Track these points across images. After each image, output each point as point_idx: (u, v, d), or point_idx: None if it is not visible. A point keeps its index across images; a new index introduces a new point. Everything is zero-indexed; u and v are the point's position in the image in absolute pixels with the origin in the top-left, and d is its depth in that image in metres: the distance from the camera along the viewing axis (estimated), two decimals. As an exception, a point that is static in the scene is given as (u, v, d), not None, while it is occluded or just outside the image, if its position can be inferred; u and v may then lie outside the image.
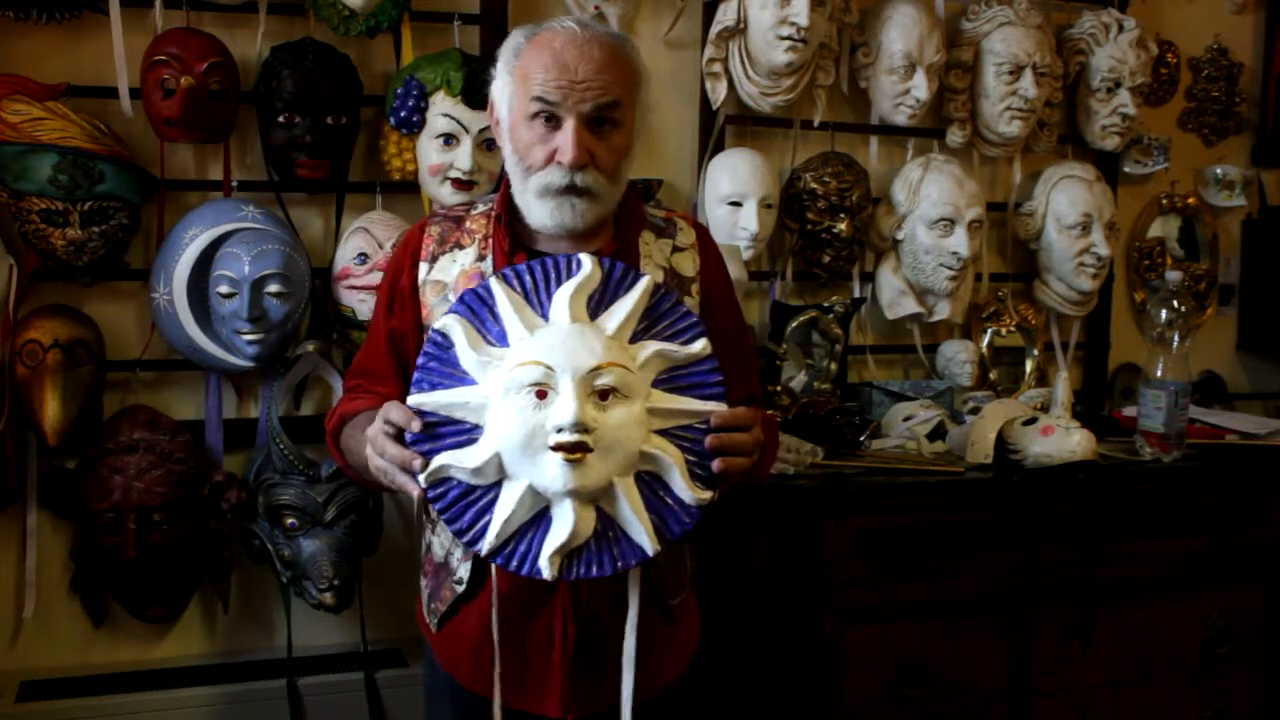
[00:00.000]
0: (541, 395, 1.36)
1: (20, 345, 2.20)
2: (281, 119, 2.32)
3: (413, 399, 1.41)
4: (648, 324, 1.45)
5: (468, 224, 1.66)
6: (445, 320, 1.43)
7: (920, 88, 2.77)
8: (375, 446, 1.43)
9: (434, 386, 1.42)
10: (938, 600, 2.36)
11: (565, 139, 1.52)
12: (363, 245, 2.37)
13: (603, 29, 1.59)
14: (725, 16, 2.63)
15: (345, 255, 2.39)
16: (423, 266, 1.64)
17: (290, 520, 2.32)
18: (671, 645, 1.69)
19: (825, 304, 2.78)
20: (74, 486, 2.28)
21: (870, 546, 2.29)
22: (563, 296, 1.42)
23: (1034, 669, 2.45)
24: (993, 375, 3.02)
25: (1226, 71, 3.36)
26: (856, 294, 2.93)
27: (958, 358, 2.92)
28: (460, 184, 2.37)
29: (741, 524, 2.26)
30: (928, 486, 2.37)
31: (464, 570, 1.62)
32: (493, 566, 1.59)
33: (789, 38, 2.57)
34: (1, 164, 2.16)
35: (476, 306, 1.44)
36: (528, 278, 1.45)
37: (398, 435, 1.41)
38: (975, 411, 2.66)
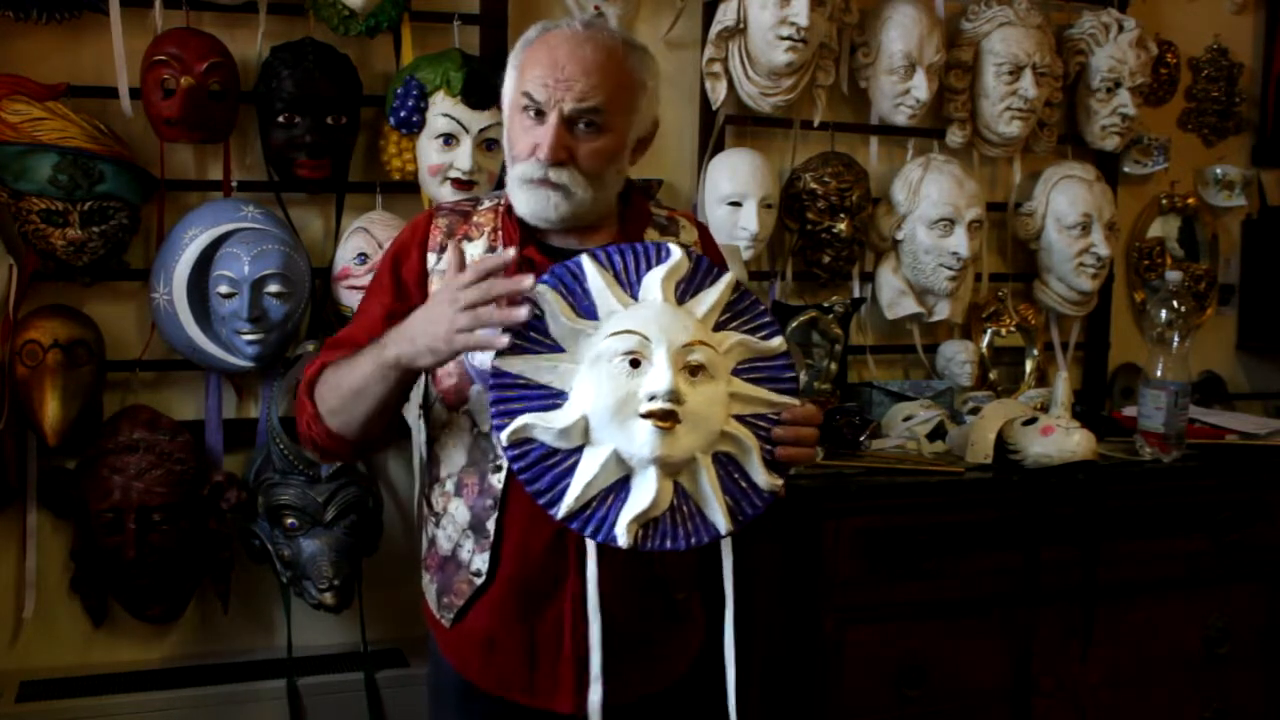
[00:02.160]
0: (635, 364, 1.40)
1: (20, 345, 2.20)
2: (281, 119, 2.32)
3: (499, 360, 1.43)
4: (729, 316, 1.50)
5: (475, 218, 1.67)
6: (537, 289, 1.45)
7: (920, 88, 2.77)
8: (472, 288, 1.41)
9: (520, 351, 1.44)
10: (938, 600, 2.36)
11: (544, 134, 1.53)
12: (363, 245, 2.37)
13: (610, 33, 1.60)
14: (725, 16, 2.63)
15: (345, 255, 2.39)
16: (430, 256, 1.65)
17: (290, 520, 2.31)
18: (676, 642, 1.70)
19: (825, 304, 2.78)
20: (74, 486, 2.28)
21: (870, 546, 2.29)
22: (654, 278, 1.46)
23: (1034, 669, 2.45)
24: (993, 375, 3.03)
25: (1226, 71, 3.36)
26: (856, 294, 2.93)
27: (958, 358, 2.92)
28: (460, 184, 2.37)
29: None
30: (928, 486, 2.37)
31: (480, 562, 1.61)
32: (504, 559, 1.59)
33: (789, 38, 2.57)
34: (1, 164, 2.16)
35: (568, 280, 1.46)
36: (618, 258, 1.48)
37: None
38: (975, 411, 2.66)
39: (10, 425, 2.22)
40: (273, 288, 2.25)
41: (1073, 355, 3.18)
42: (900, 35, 2.76)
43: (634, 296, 1.46)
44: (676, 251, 1.48)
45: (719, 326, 1.49)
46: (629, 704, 1.63)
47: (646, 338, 1.40)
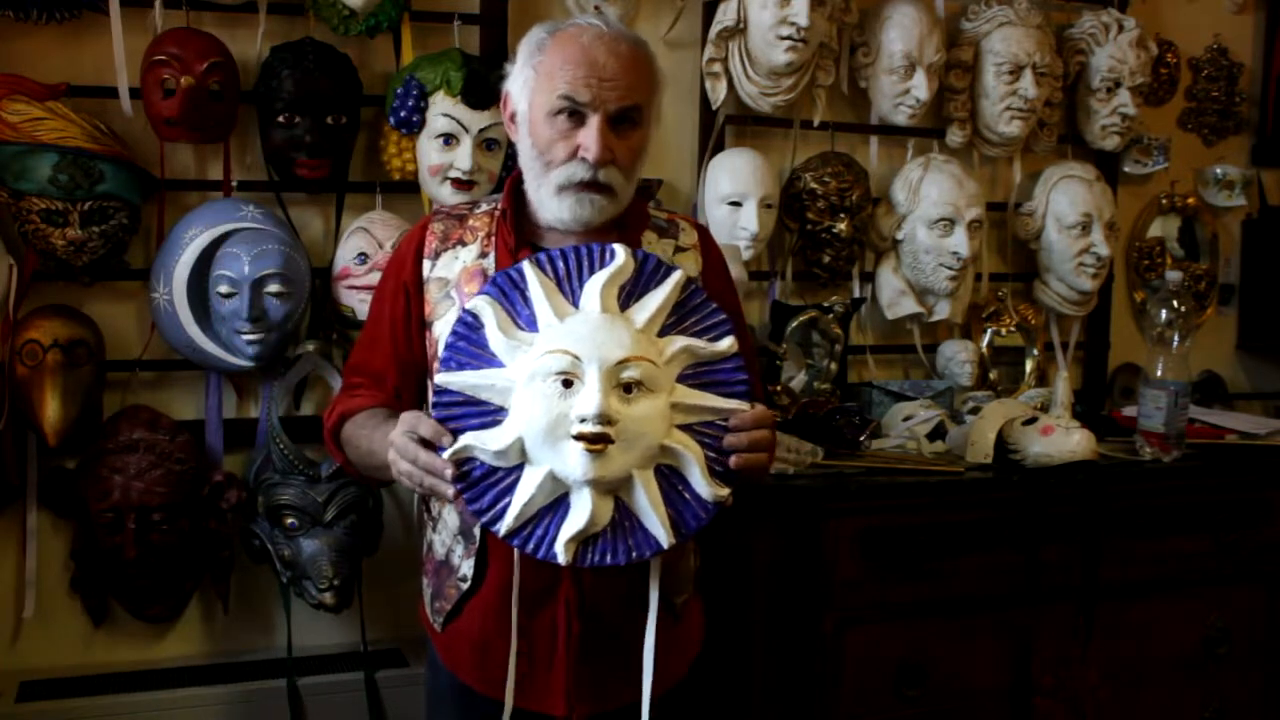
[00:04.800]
0: (567, 384, 1.38)
1: (20, 345, 2.20)
2: (281, 119, 2.32)
3: (440, 377, 1.43)
4: (677, 318, 1.47)
5: (470, 222, 1.67)
6: (476, 301, 1.45)
7: (920, 88, 2.77)
8: (405, 454, 1.44)
9: (461, 366, 1.43)
10: (938, 600, 2.36)
11: (590, 136, 1.53)
12: (363, 245, 2.37)
13: (628, 31, 1.61)
14: (725, 16, 2.63)
15: (345, 255, 2.39)
16: (426, 263, 1.65)
17: (290, 520, 2.32)
18: (675, 645, 1.69)
19: (825, 304, 2.78)
20: (74, 486, 2.28)
21: (870, 546, 2.29)
22: (594, 286, 1.44)
23: (1034, 669, 2.45)
24: (993, 375, 3.03)
25: (1226, 71, 3.36)
26: (856, 294, 2.93)
27: (958, 358, 2.92)
28: (460, 184, 2.37)
29: (742, 524, 2.25)
30: (928, 486, 2.37)
31: (467, 568, 1.62)
32: (496, 562, 1.59)
33: (789, 38, 2.57)
34: (1, 164, 2.16)
35: (508, 289, 1.45)
36: (560, 264, 1.47)
37: (423, 443, 1.43)
38: (975, 411, 2.66)
39: (10, 425, 2.22)
40: (273, 288, 2.25)
41: (1073, 355, 3.18)
42: (900, 35, 2.76)
43: (576, 303, 1.44)
44: (620, 254, 1.45)
45: (666, 329, 1.46)
46: (626, 707, 1.63)
47: (577, 357, 1.37)
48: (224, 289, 2.24)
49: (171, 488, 2.26)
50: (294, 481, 2.33)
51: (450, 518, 1.64)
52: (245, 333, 2.26)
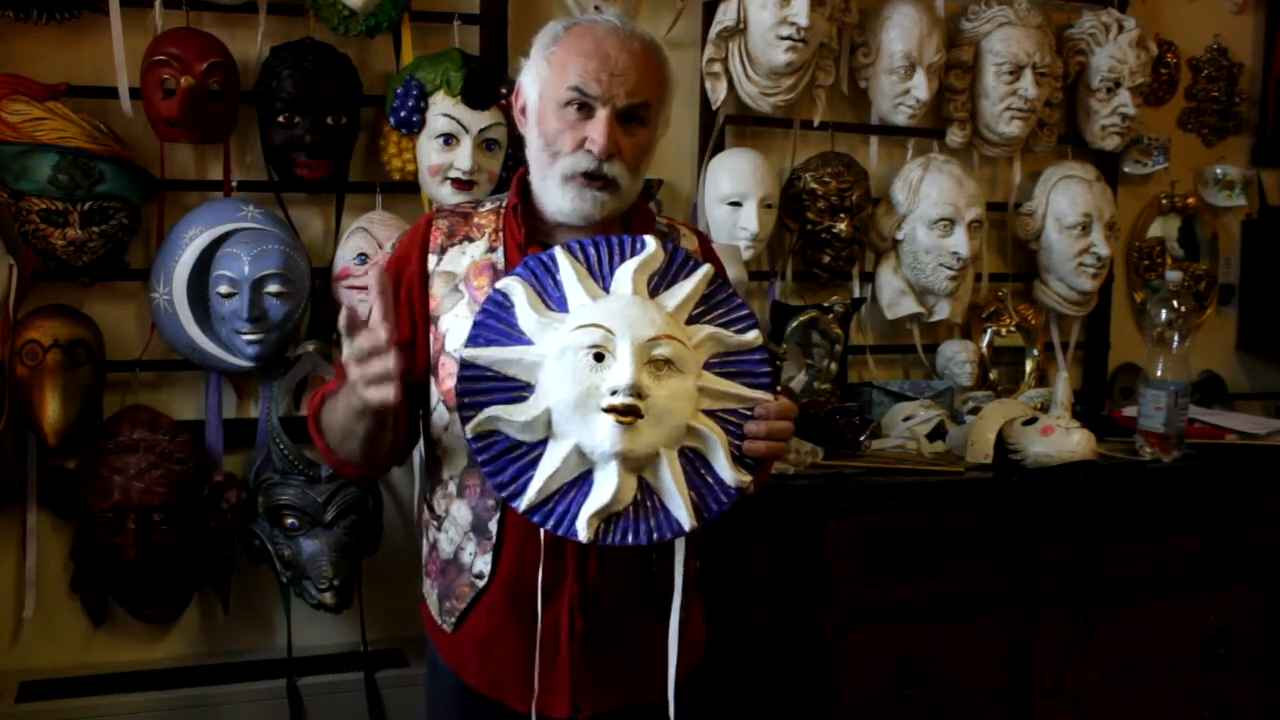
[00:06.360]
0: (599, 358, 1.39)
1: (20, 345, 2.20)
2: (281, 119, 2.32)
3: (467, 352, 1.43)
4: (703, 309, 1.49)
5: (476, 219, 1.67)
6: (507, 281, 1.45)
7: (920, 88, 2.77)
8: (348, 347, 1.39)
9: (489, 343, 1.44)
10: (938, 600, 2.36)
11: (597, 129, 1.54)
12: (363, 245, 2.37)
13: (643, 30, 1.62)
14: (725, 16, 2.63)
15: (345, 255, 2.39)
16: (431, 258, 1.65)
17: (290, 520, 2.32)
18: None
19: (825, 304, 2.78)
20: (74, 486, 2.28)
21: (870, 546, 2.29)
22: (626, 271, 1.45)
23: (1034, 669, 2.45)
24: (993, 375, 3.03)
25: (1226, 71, 3.36)
26: (856, 294, 2.93)
27: (958, 358, 2.92)
28: (460, 184, 2.37)
29: (742, 524, 2.25)
30: (928, 486, 2.37)
31: (482, 564, 1.60)
32: (503, 559, 1.59)
33: (789, 38, 2.58)
34: (1, 164, 2.16)
35: (540, 272, 1.46)
36: (592, 251, 1.48)
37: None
38: (975, 411, 2.66)
39: (10, 425, 2.22)
40: (273, 288, 2.25)
41: (1073, 355, 3.18)
42: (900, 35, 2.76)
43: (607, 289, 1.46)
44: (651, 243, 1.47)
45: (693, 319, 1.47)
46: (630, 706, 1.63)
47: (610, 331, 1.39)
48: (224, 289, 2.24)
49: (171, 488, 2.26)
50: (294, 481, 2.33)
51: (460, 514, 1.63)
52: (245, 333, 2.26)
